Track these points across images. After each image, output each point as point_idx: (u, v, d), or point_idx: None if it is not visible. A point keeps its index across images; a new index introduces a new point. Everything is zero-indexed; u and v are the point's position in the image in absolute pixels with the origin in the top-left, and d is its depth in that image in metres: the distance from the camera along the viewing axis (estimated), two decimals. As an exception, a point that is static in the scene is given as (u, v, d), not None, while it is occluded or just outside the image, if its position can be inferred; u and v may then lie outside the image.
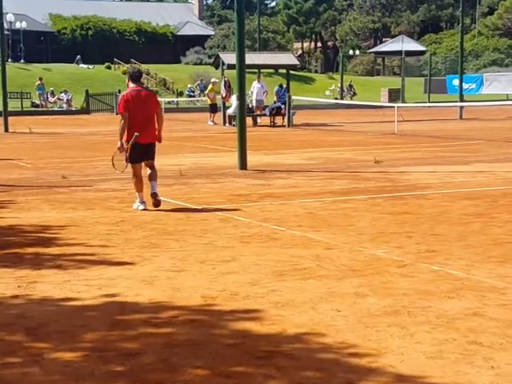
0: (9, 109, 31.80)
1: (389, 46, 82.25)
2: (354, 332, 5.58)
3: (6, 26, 44.96)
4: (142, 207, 11.26)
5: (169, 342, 5.46)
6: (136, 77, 11.56)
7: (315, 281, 7.07)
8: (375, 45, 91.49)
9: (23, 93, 48.71)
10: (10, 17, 60.26)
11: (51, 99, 51.09)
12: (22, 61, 63.80)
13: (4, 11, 34.99)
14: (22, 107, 46.96)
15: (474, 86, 46.03)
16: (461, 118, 36.55)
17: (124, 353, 5.27)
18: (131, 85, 11.50)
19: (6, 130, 30.29)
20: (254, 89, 33.70)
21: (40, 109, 48.81)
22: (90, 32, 75.31)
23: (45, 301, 6.56)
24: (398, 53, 69.00)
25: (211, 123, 34.57)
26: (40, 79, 50.52)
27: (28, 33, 67.22)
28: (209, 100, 35.62)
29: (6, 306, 6.42)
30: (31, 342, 5.55)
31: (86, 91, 49.10)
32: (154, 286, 6.96)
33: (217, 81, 34.65)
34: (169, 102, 49.39)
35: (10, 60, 56.47)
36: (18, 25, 64.50)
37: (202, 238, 9.16)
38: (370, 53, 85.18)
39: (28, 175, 15.71)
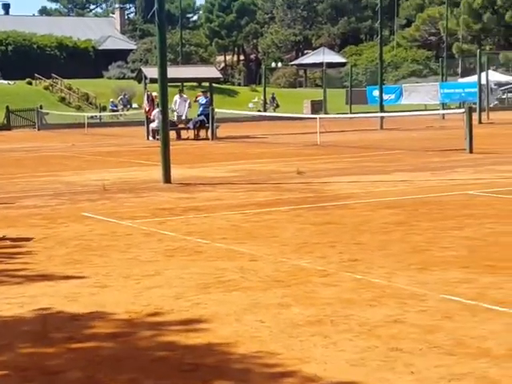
0: None
1: (310, 58, 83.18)
2: (277, 342, 5.63)
3: None
4: None
5: (93, 358, 5.43)
6: None
7: (240, 292, 7.11)
8: (297, 57, 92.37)
9: None
10: None
11: (-30, 116, 50.19)
12: None
13: None
14: None
15: (393, 96, 46.69)
16: (381, 128, 37.09)
17: (48, 371, 5.22)
18: None
19: None
20: (176, 103, 33.59)
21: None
22: (10, 47, 74.29)
23: (-35, 321, 6.45)
24: (320, 65, 69.85)
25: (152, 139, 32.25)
26: None
27: None
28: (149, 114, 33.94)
29: None
30: (-48, 363, 5.45)
31: (7, 107, 48.36)
32: (78, 303, 6.91)
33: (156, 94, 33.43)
34: (92, 117, 48.97)
35: None
36: None
37: (126, 252, 9.13)
38: (292, 65, 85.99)
39: None
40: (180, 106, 33.59)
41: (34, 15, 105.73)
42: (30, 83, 65.50)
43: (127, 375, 5.11)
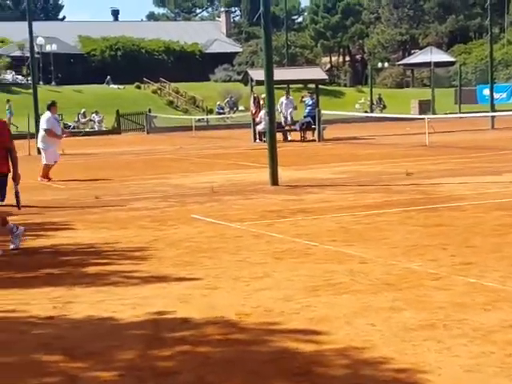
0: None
1: (417, 57, 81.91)
2: (390, 346, 5.54)
3: (36, 49, 45.42)
4: None
5: (205, 360, 5.46)
6: None
7: (349, 295, 7.04)
8: (404, 57, 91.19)
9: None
10: (40, 40, 60.82)
11: (83, 120, 51.49)
12: (53, 83, 64.41)
13: (34, 35, 35.36)
14: (54, 129, 47.25)
15: (504, 95, 45.73)
16: (492, 127, 36.30)
17: (160, 372, 5.28)
18: None
19: (39, 152, 30.51)
20: (283, 105, 33.64)
21: (73, 130, 49.10)
22: (119, 52, 75.89)
23: (80, 321, 6.59)
24: (427, 64, 68.74)
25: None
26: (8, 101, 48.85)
27: (58, 55, 67.85)
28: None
29: (42, 327, 6.46)
30: (68, 362, 5.58)
31: (117, 111, 49.43)
32: (189, 304, 6.97)
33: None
34: (199, 120, 49.57)
35: (41, 83, 56.98)
36: (48, 48, 65.15)
37: (236, 254, 9.17)
38: (399, 65, 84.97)
39: (61, 196, 15.84)
40: (286, 107, 33.65)
41: (141, 20, 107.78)
42: (138, 87, 66.76)
43: (238, 377, 5.11)
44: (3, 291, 7.74)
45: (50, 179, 19.31)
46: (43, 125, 19.97)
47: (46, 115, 20.25)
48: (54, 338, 6.12)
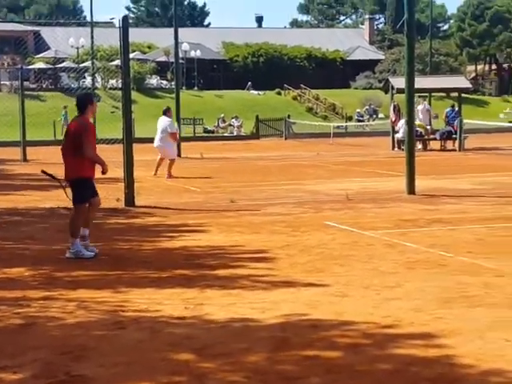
0: (182, 135, 32.72)
1: None
2: (523, 363, 5.36)
3: (181, 54, 46.46)
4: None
5: (331, 368, 5.44)
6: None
7: (483, 309, 6.86)
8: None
9: (196, 119, 49.97)
10: (185, 46, 62.30)
11: (222, 125, 52.30)
12: (196, 88, 65.74)
13: (180, 41, 36.19)
14: (195, 133, 48.20)
15: None
16: None
17: (286, 376, 5.28)
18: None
19: (179, 155, 31.17)
20: (418, 112, 33.07)
21: (212, 135, 49.94)
22: (262, 59, 76.58)
23: (210, 322, 6.68)
24: None
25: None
26: (64, 107, 44.57)
27: (202, 61, 69.17)
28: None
29: (174, 327, 6.58)
30: (197, 362, 5.66)
31: (256, 116, 49.91)
32: (318, 310, 6.95)
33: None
34: (337, 127, 49.45)
35: (184, 88, 58.25)
36: (192, 53, 66.59)
37: (367, 263, 9.09)
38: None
39: (197, 199, 16.10)
40: (422, 115, 33.08)
41: (285, 27, 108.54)
42: (279, 93, 67.24)
43: (364, 387, 5.07)
44: (139, 290, 7.93)
45: (172, 177, 20.86)
46: (169, 128, 21.26)
47: (167, 119, 21.56)
48: (184, 338, 6.23)
